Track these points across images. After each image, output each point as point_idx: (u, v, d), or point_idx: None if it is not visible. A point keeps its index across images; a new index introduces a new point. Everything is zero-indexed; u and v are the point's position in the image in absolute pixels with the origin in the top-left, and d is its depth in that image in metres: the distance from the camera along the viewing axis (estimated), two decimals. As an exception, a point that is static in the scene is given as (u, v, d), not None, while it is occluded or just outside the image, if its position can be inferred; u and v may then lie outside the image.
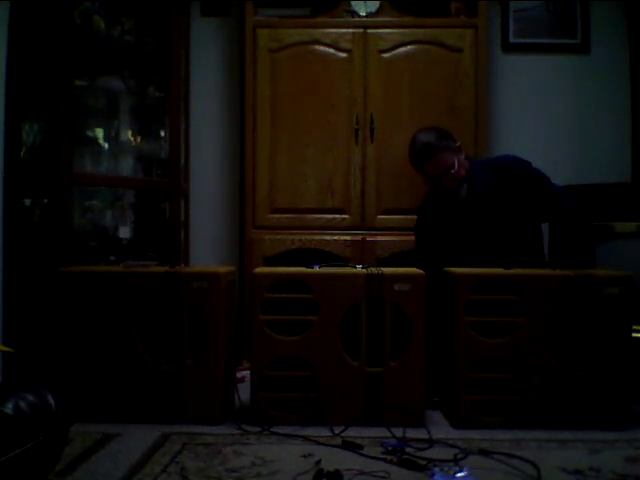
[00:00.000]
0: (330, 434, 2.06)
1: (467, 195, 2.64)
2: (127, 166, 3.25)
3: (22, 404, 1.43)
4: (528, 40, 3.51)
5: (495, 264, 2.31)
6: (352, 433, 2.06)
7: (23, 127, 2.83)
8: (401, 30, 3.19)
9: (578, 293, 2.17)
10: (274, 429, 2.10)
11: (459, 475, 1.65)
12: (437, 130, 2.68)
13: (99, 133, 3.17)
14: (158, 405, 2.20)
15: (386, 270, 2.22)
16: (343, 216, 3.19)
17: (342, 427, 2.10)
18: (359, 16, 3.25)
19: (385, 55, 3.18)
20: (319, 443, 1.97)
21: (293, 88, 3.19)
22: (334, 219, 3.19)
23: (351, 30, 3.19)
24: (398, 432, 2.02)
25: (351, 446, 1.93)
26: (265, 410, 2.18)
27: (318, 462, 1.78)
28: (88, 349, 2.21)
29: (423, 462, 1.77)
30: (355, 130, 3.17)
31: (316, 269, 2.24)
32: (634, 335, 2.22)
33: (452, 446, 1.92)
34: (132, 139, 3.30)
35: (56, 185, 2.82)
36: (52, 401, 1.50)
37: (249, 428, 2.13)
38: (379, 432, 2.06)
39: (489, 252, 2.55)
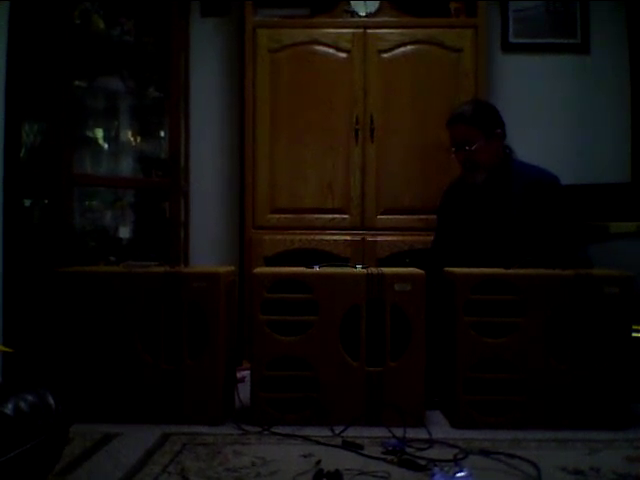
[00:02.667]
0: (330, 434, 2.06)
1: (486, 186, 2.65)
2: (127, 166, 3.25)
3: (22, 404, 1.43)
4: (528, 40, 3.51)
5: (503, 257, 2.32)
6: (352, 433, 2.06)
7: (23, 127, 2.83)
8: (401, 30, 3.19)
9: (578, 293, 2.17)
10: (274, 429, 2.10)
11: (459, 475, 1.65)
12: (484, 108, 2.70)
13: (99, 133, 3.17)
14: (158, 405, 2.20)
15: (386, 270, 2.22)
16: (343, 216, 3.19)
17: (342, 427, 2.10)
18: (359, 16, 3.25)
19: (385, 55, 3.19)
20: (319, 443, 1.97)
21: (293, 88, 3.19)
22: (334, 219, 3.19)
23: (351, 30, 3.20)
24: (398, 432, 2.01)
25: (351, 446, 1.92)
26: (265, 410, 2.18)
27: (318, 462, 1.78)
28: (88, 349, 2.21)
29: (423, 462, 1.77)
30: (355, 130, 3.17)
31: (316, 269, 2.24)
32: (634, 335, 2.22)
33: (452, 446, 1.92)
34: (132, 139, 3.30)
35: (56, 185, 2.82)
36: (52, 401, 1.50)
37: (249, 428, 2.12)
38: (379, 432, 2.05)
39: (499, 244, 2.57)
